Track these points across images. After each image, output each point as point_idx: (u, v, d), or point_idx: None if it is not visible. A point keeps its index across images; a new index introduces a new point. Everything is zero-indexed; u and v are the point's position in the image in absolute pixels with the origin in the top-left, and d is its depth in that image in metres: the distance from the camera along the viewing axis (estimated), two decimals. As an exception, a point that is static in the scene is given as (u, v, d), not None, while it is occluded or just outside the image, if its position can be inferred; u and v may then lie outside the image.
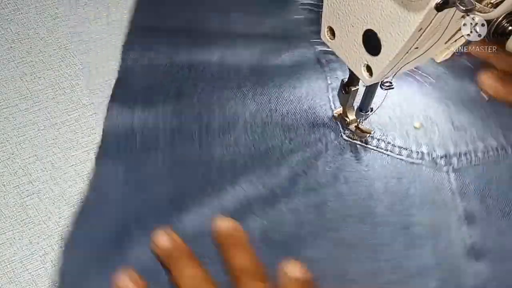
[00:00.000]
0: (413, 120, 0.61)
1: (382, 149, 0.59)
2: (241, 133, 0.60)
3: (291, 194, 0.57)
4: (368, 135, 0.59)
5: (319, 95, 0.63)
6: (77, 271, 0.53)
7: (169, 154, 0.59)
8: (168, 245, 0.51)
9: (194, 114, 0.61)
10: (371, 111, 0.58)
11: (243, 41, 0.67)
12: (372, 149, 0.59)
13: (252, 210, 0.55)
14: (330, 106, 0.62)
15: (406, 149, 0.59)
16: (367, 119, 0.59)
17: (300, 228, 0.55)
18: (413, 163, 0.58)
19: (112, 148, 0.60)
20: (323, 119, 0.61)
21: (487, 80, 0.57)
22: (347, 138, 0.60)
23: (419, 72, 0.63)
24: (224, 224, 0.52)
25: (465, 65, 0.63)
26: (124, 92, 0.63)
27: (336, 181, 0.57)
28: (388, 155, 0.59)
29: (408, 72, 0.63)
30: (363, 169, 0.58)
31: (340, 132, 0.60)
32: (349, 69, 0.53)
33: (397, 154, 0.59)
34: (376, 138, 0.60)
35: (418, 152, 0.59)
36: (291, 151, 0.59)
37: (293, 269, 0.49)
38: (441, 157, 0.59)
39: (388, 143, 0.59)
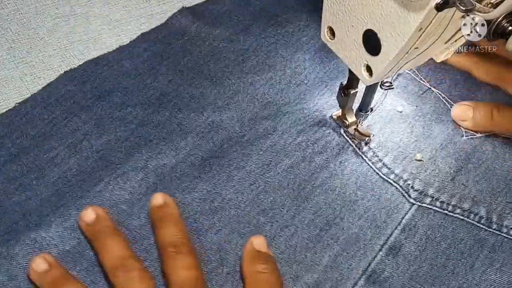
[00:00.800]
0: (419, 151, 0.59)
1: (366, 157, 0.59)
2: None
3: (259, 147, 0.58)
4: (367, 138, 0.59)
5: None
6: None
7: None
8: (94, 221, 0.50)
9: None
10: (371, 111, 0.58)
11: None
12: (357, 153, 0.59)
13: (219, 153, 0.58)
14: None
15: (389, 169, 0.58)
16: (381, 137, 0.59)
17: (244, 180, 0.56)
18: (385, 180, 0.57)
19: None
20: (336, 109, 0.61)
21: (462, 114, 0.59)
22: (342, 133, 0.60)
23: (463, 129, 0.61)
24: (157, 199, 0.52)
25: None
26: None
27: (302, 157, 0.58)
28: (368, 164, 0.58)
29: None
30: (333, 163, 0.58)
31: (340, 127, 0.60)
32: (349, 70, 0.53)
33: (376, 168, 0.58)
34: (369, 146, 0.59)
35: (397, 175, 0.58)
36: (287, 116, 0.61)
37: (257, 242, 0.51)
38: (416, 190, 0.57)
39: (376, 156, 0.59)
